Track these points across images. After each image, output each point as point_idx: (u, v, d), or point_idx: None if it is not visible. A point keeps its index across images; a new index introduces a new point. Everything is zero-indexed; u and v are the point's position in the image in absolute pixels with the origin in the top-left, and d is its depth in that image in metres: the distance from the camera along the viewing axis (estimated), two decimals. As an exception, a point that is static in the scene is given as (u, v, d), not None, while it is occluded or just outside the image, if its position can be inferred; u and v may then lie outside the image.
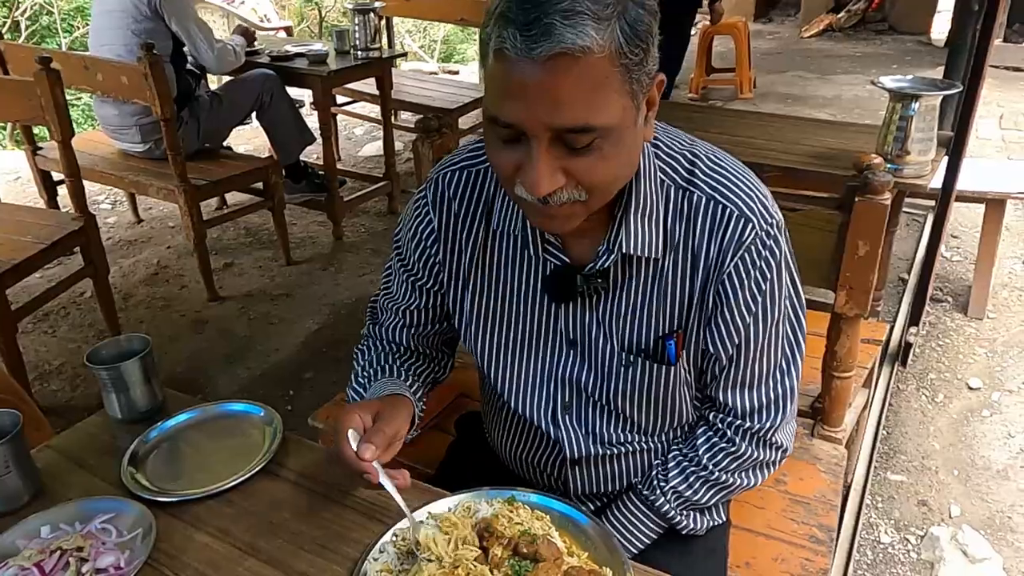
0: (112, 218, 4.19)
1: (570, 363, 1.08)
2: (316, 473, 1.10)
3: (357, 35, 3.69)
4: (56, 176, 3.49)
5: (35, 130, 3.52)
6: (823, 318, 1.66)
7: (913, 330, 2.78)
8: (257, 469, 1.09)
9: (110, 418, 1.23)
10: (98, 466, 1.13)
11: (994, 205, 2.86)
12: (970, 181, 2.76)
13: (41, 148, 3.49)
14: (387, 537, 0.95)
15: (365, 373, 1.19)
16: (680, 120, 2.70)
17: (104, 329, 3.00)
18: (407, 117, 4.97)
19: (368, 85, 4.20)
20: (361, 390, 1.18)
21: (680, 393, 1.08)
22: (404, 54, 6.55)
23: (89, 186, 3.24)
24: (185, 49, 3.27)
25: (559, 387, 1.11)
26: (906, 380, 2.71)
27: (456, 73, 7.09)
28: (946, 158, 2.46)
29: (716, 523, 1.20)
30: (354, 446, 0.95)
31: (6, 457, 1.02)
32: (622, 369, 1.05)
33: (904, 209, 3.30)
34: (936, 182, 2.45)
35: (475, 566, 0.88)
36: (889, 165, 2.16)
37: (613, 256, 0.98)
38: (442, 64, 8.00)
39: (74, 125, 2.69)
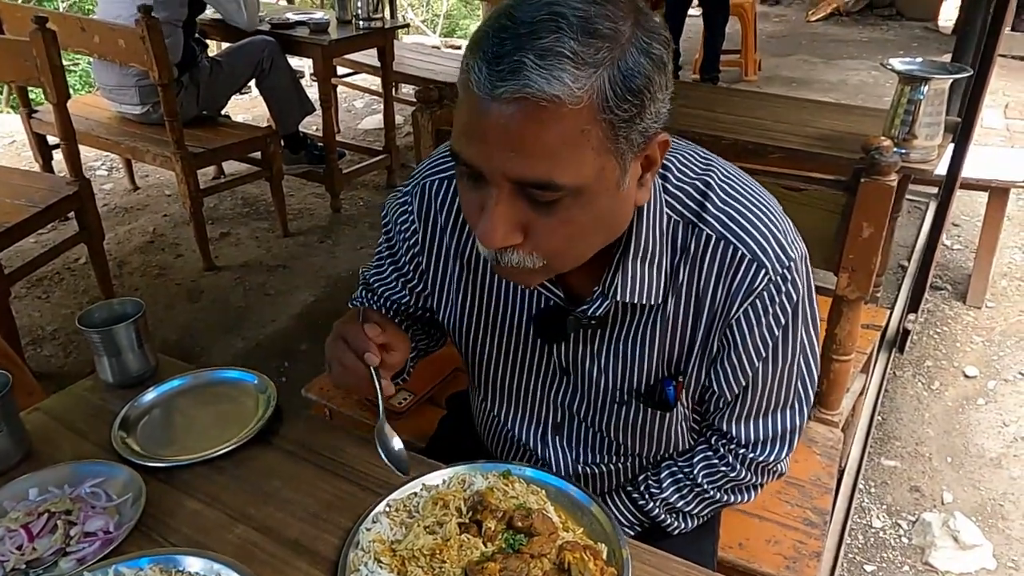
0: (108, 185, 4.15)
1: (563, 390, 1.03)
2: (309, 442, 1.09)
3: (359, 4, 3.63)
4: (52, 140, 3.44)
5: (31, 94, 3.47)
6: (824, 302, 1.64)
7: (911, 317, 2.77)
8: (250, 437, 1.08)
9: (102, 382, 1.21)
10: (89, 430, 1.12)
11: (998, 193, 2.84)
12: (974, 168, 2.74)
13: (36, 111, 3.43)
14: (380, 507, 0.94)
15: None
16: (684, 99, 2.67)
17: (98, 295, 2.97)
18: (408, 91, 4.91)
19: (369, 56, 4.14)
20: None
21: (678, 428, 1.03)
22: (406, 25, 6.46)
23: (85, 152, 3.21)
24: (202, 16, 3.22)
25: (550, 410, 1.06)
26: (903, 367, 2.71)
27: (458, 48, 7.01)
28: (952, 145, 2.44)
29: (705, 520, 1.16)
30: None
31: (-5, 418, 1.00)
32: (616, 406, 1.00)
33: (906, 196, 3.27)
34: (941, 168, 2.43)
35: (468, 539, 0.87)
36: (895, 149, 2.14)
37: (608, 303, 0.89)
38: (444, 38, 7.91)
39: (71, 90, 2.65)
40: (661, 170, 0.88)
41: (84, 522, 0.93)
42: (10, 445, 1.04)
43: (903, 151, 2.16)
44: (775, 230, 0.87)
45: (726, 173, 0.91)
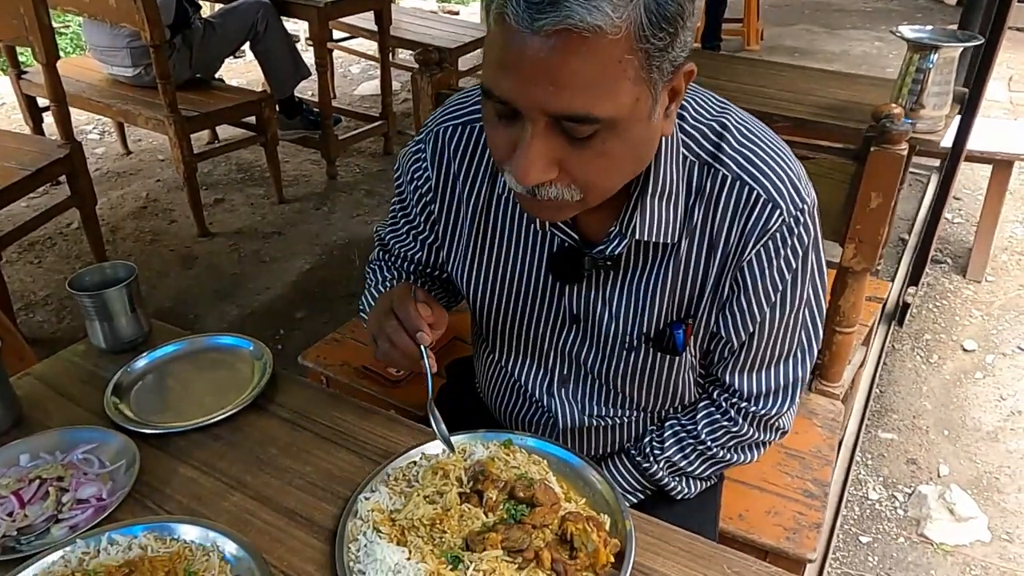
0: (100, 149, 4.09)
1: (571, 338, 1.02)
2: (307, 410, 1.07)
3: (356, -35, 3.55)
4: (42, 103, 3.38)
5: (20, 55, 3.39)
6: (828, 274, 1.62)
7: (912, 290, 2.76)
8: (246, 404, 1.06)
9: (94, 347, 1.19)
10: (81, 396, 1.10)
11: (1001, 167, 2.81)
12: (978, 141, 2.70)
13: (26, 72, 3.36)
14: (379, 476, 0.92)
15: (383, 287, 1.13)
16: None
17: (91, 261, 2.93)
18: (405, 56, 4.83)
19: (366, 20, 4.06)
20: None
21: (684, 378, 1.02)
22: (404, -10, 6.36)
23: (77, 116, 3.15)
24: None
25: (558, 360, 1.05)
26: (902, 340, 2.70)
27: (456, 13, 6.89)
28: (958, 116, 2.40)
29: (708, 485, 1.16)
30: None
31: (-17, 383, 0.98)
32: (625, 352, 0.99)
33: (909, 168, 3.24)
34: (946, 141, 2.39)
35: (469, 509, 0.86)
36: (908, 121, 2.11)
37: (626, 242, 0.89)
38: (441, 3, 7.77)
39: (62, 53, 2.58)
40: (679, 111, 0.87)
41: (76, 489, 0.91)
42: (0, 411, 1.01)
43: (911, 121, 2.12)
44: (790, 172, 0.88)
45: (741, 117, 0.91)
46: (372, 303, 1.14)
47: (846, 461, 2.13)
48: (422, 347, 0.90)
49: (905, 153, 1.37)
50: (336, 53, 4.82)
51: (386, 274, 1.17)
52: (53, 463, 0.95)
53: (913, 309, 2.80)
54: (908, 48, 2.11)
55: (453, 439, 0.96)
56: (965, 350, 2.67)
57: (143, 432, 1.01)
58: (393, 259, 1.18)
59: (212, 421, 1.03)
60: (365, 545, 0.83)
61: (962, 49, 2.09)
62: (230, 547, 0.83)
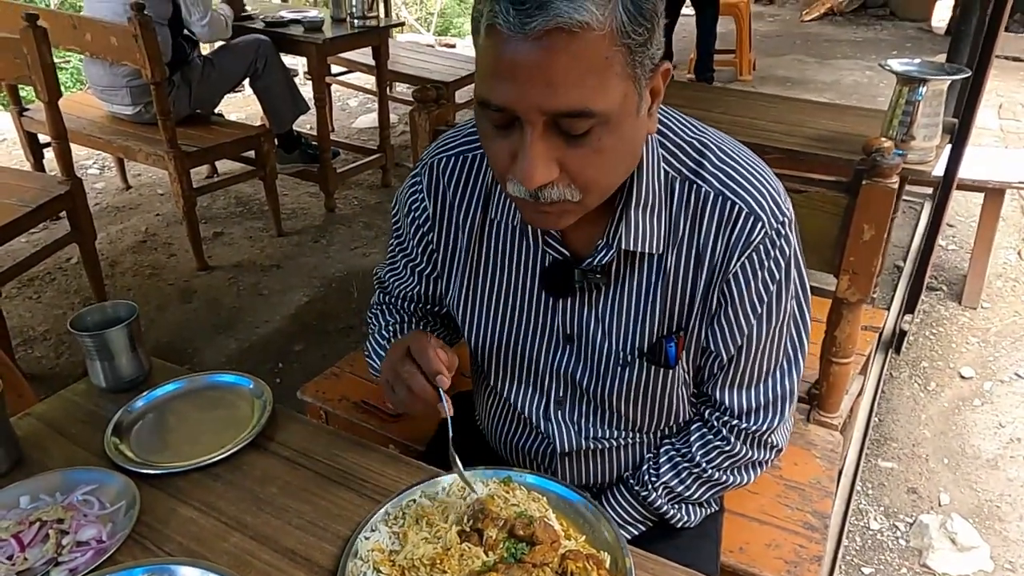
0: (100, 184, 4.12)
1: (566, 359, 1.04)
2: (307, 448, 1.07)
3: (354, 3, 3.61)
4: (43, 139, 3.40)
5: (22, 91, 3.43)
6: (823, 304, 1.63)
7: (908, 318, 2.77)
8: (245, 443, 1.06)
9: (94, 386, 1.19)
10: (81, 435, 1.10)
11: (993, 195, 2.84)
12: (970, 169, 2.74)
13: (28, 109, 3.40)
14: (379, 515, 0.92)
15: (388, 330, 1.15)
16: (680, 99, 2.66)
17: (90, 296, 2.94)
18: (402, 90, 4.89)
19: (364, 55, 4.12)
20: (385, 343, 1.13)
21: (678, 394, 1.04)
22: (401, 24, 6.44)
23: (77, 151, 3.17)
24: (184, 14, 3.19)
25: (553, 382, 1.07)
26: (899, 368, 2.71)
27: (452, 46, 6.99)
28: (949, 146, 2.44)
29: (709, 512, 1.17)
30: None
31: (-16, 425, 0.98)
32: (619, 369, 1.01)
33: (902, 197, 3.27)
34: (938, 170, 2.42)
35: (469, 548, 0.86)
36: (898, 152, 2.14)
37: (612, 252, 0.93)
38: (439, 37, 7.88)
39: (62, 87, 2.62)
40: (659, 127, 0.92)
41: (76, 531, 0.91)
42: (0, 452, 1.01)
43: (901, 152, 2.16)
44: (770, 188, 0.92)
45: (720, 136, 0.96)
46: (377, 348, 1.15)
47: (846, 491, 2.12)
48: (440, 390, 0.92)
49: (896, 186, 1.39)
50: (334, 87, 4.88)
51: (389, 318, 1.19)
52: (53, 505, 0.95)
53: (910, 337, 2.81)
54: (897, 81, 2.15)
55: (452, 477, 0.97)
56: (963, 377, 2.67)
57: (143, 472, 1.01)
58: (393, 300, 1.20)
59: (212, 461, 1.03)
60: (365, 585, 0.83)
61: (950, 82, 2.12)
62: (230, 589, 0.83)
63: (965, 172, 2.65)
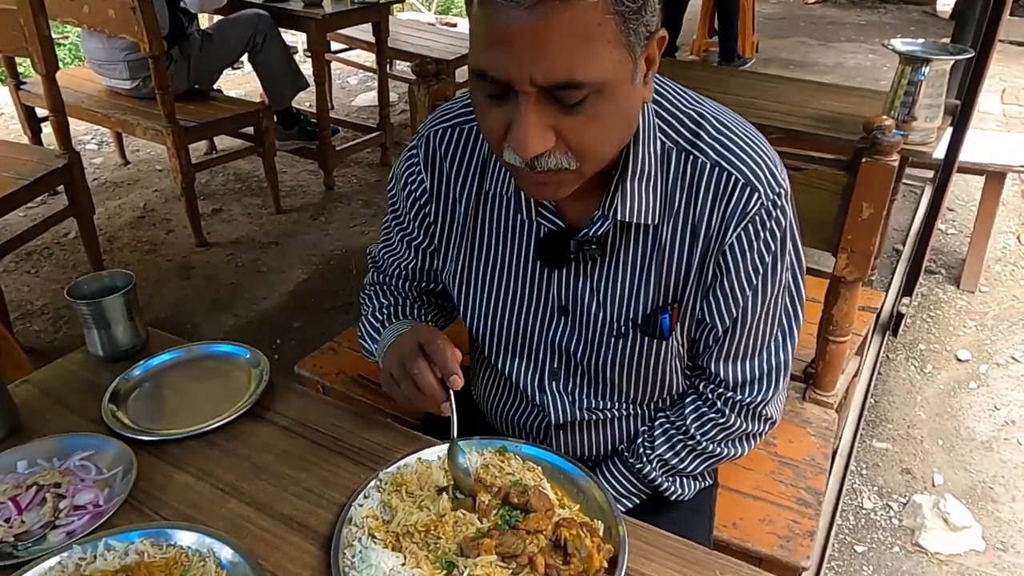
0: (98, 159, 4.10)
1: (560, 330, 1.04)
2: (303, 417, 1.08)
3: (354, -22, 3.58)
4: (40, 112, 3.39)
5: (19, 66, 3.41)
6: (821, 284, 1.63)
7: (906, 300, 2.77)
8: (243, 411, 1.06)
9: (91, 355, 1.19)
10: (78, 403, 1.10)
11: (994, 178, 2.84)
12: (971, 153, 2.73)
13: (25, 83, 3.38)
14: (372, 483, 0.93)
15: (381, 312, 1.15)
16: (682, 79, 2.64)
17: (88, 270, 2.93)
18: (402, 68, 4.86)
19: (364, 32, 4.09)
20: (379, 325, 1.13)
21: (671, 365, 1.05)
22: (401, 0, 6.39)
23: (75, 126, 3.16)
24: None
25: (548, 353, 1.07)
26: (896, 350, 2.72)
27: (454, 25, 6.93)
28: (950, 129, 2.43)
29: (703, 486, 1.18)
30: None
31: (-20, 389, 0.99)
32: (613, 340, 1.01)
33: (902, 180, 3.26)
34: (939, 152, 2.41)
35: (464, 515, 0.86)
36: (900, 133, 2.12)
37: (608, 223, 0.93)
38: (439, 15, 7.82)
39: (59, 64, 2.60)
40: (655, 97, 0.92)
41: (73, 495, 0.91)
42: (-3, 418, 1.02)
43: (903, 133, 2.15)
44: (767, 159, 0.92)
45: (718, 108, 0.96)
46: (370, 330, 1.15)
47: (841, 470, 2.13)
48: (451, 391, 0.92)
49: (896, 164, 1.39)
50: (334, 65, 4.85)
51: (383, 300, 1.18)
52: (50, 469, 0.96)
53: (907, 319, 2.82)
54: (900, 61, 2.14)
55: (447, 446, 0.97)
56: (959, 360, 2.68)
57: (140, 439, 1.01)
58: (388, 279, 1.20)
59: (209, 428, 1.03)
60: (360, 551, 0.83)
61: (953, 62, 2.11)
62: (226, 553, 0.84)
63: (966, 155, 2.65)
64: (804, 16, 7.91)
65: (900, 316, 2.74)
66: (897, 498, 2.12)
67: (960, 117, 2.38)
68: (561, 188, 0.85)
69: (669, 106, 0.93)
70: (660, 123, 0.92)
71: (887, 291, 2.94)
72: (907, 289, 2.80)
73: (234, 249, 3.30)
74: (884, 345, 2.69)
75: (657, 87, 0.93)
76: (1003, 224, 3.52)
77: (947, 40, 3.74)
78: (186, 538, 0.85)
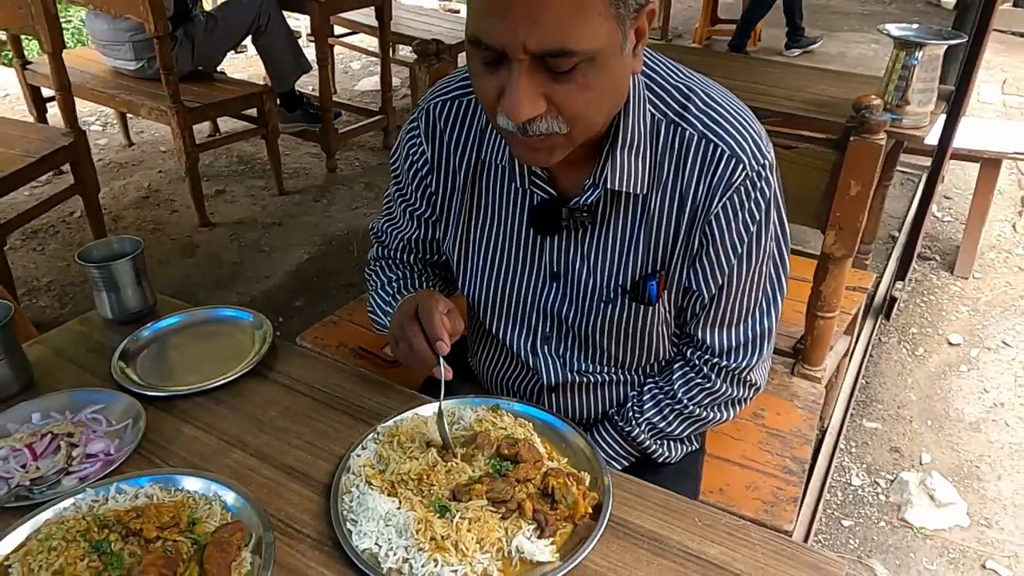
0: (103, 140, 4.14)
1: (552, 295, 1.08)
2: (305, 377, 1.12)
3: (357, -39, 3.60)
4: (46, 93, 3.43)
5: (25, 48, 3.44)
6: (810, 264, 1.67)
7: (899, 285, 2.81)
8: (247, 369, 1.11)
9: (101, 318, 1.24)
10: (88, 362, 1.15)
11: (989, 165, 2.87)
12: (967, 139, 2.76)
13: (31, 63, 3.42)
14: (371, 435, 0.97)
15: (392, 286, 1.19)
16: (686, 65, 2.68)
17: (94, 248, 2.98)
18: (405, 53, 4.88)
19: (367, 16, 4.11)
20: (390, 299, 1.17)
21: (658, 331, 1.09)
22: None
23: (80, 107, 3.20)
24: None
25: (540, 318, 1.11)
26: (888, 333, 2.75)
27: (456, 11, 6.94)
28: (944, 115, 2.46)
29: (690, 450, 1.22)
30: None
31: (-3, 345, 1.03)
32: (602, 305, 1.05)
33: (899, 168, 3.29)
34: (933, 138, 2.44)
35: (456, 463, 0.91)
36: (889, 115, 2.15)
37: (598, 191, 0.96)
38: (442, 2, 7.82)
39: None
40: (646, 74, 0.95)
41: (85, 444, 0.96)
42: (12, 373, 1.06)
43: (896, 117, 2.18)
44: (752, 132, 0.96)
45: (706, 82, 0.99)
46: (382, 304, 1.19)
47: (830, 448, 2.18)
48: (439, 356, 0.97)
49: (883, 143, 1.42)
50: (337, 49, 4.87)
51: (391, 274, 1.22)
52: (63, 421, 1.00)
53: (900, 304, 2.85)
54: (894, 46, 2.17)
55: (443, 403, 1.01)
56: (951, 344, 2.72)
57: (148, 395, 1.06)
58: (392, 252, 1.24)
59: (215, 385, 1.08)
60: (358, 496, 0.88)
61: (946, 47, 2.14)
62: (230, 497, 0.88)
63: (963, 142, 2.67)
64: (808, 5, 7.85)
65: (893, 300, 2.78)
66: (885, 475, 2.17)
67: (954, 102, 2.41)
68: (553, 153, 0.88)
69: (659, 79, 0.97)
70: (650, 95, 0.96)
71: (881, 275, 2.98)
72: (900, 273, 2.84)
73: (237, 229, 3.34)
74: (877, 328, 2.73)
75: (648, 61, 0.97)
76: (999, 212, 3.55)
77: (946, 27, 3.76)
78: (193, 484, 0.90)
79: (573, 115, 0.83)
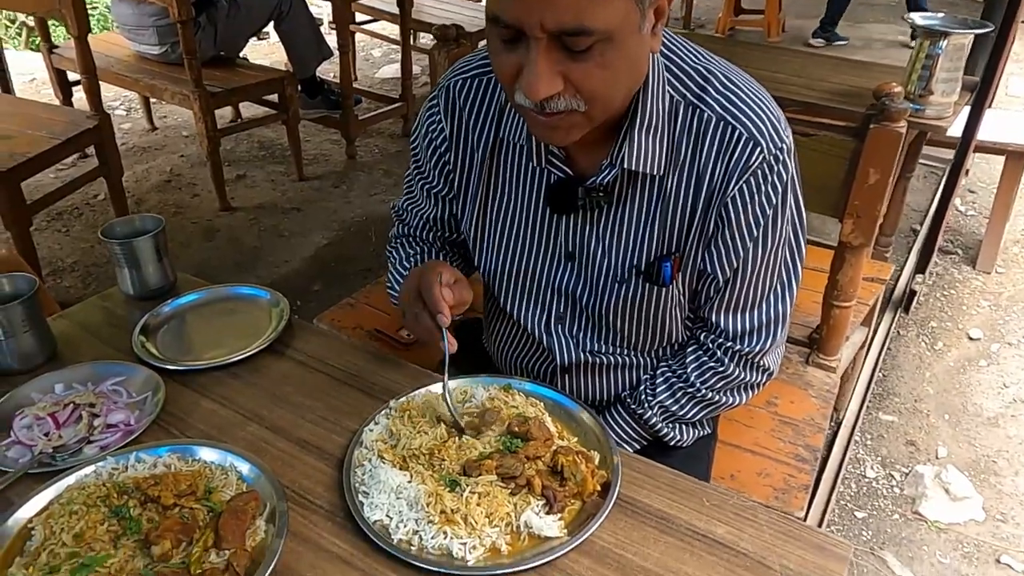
0: (126, 124, 4.19)
1: (567, 275, 1.09)
2: (321, 354, 1.14)
3: (379, -52, 3.61)
4: (72, 77, 3.48)
5: (52, 33, 3.49)
6: (827, 254, 1.67)
7: (919, 278, 2.78)
8: (264, 346, 1.13)
9: (122, 294, 1.26)
10: (110, 336, 1.17)
11: (1015, 158, 2.82)
12: (993, 132, 2.72)
13: (57, 47, 3.46)
14: (383, 411, 0.99)
15: (409, 262, 1.20)
16: (703, 51, 2.66)
17: (117, 231, 3.02)
18: (426, 41, 4.89)
19: (388, 3, 4.12)
20: (405, 274, 1.18)
21: (672, 314, 1.09)
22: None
23: (104, 92, 3.22)
24: None
25: (554, 297, 1.12)
26: (907, 326, 2.73)
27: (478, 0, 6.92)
28: (968, 107, 2.42)
29: (702, 434, 1.23)
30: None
31: (23, 316, 1.05)
32: (616, 285, 1.06)
33: (922, 161, 3.25)
34: (957, 130, 2.41)
35: (467, 439, 0.92)
36: (912, 105, 2.13)
37: (615, 171, 0.97)
38: (465, -10, 7.79)
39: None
40: (665, 55, 0.95)
41: (106, 414, 0.98)
42: (36, 345, 1.09)
43: (919, 107, 2.15)
44: (771, 115, 0.96)
45: (726, 65, 0.99)
46: (399, 278, 1.20)
47: (845, 440, 2.17)
48: (443, 329, 0.98)
49: (903, 131, 1.41)
50: (358, 36, 4.89)
51: (409, 250, 1.23)
52: (85, 392, 1.02)
53: (920, 297, 2.83)
54: (919, 34, 2.14)
55: (456, 382, 1.03)
56: (971, 338, 2.69)
57: (168, 368, 1.08)
58: (412, 230, 1.25)
59: (232, 360, 1.10)
60: (370, 470, 0.89)
61: (972, 37, 2.11)
62: (246, 468, 0.90)
63: (988, 135, 2.63)
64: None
65: (913, 293, 2.75)
66: (900, 468, 2.16)
67: (979, 93, 2.37)
68: (571, 132, 0.89)
69: (679, 60, 0.97)
70: (669, 77, 0.96)
71: (901, 269, 2.95)
72: (921, 267, 2.81)
73: (257, 214, 3.37)
74: (895, 321, 2.71)
75: (668, 43, 0.97)
76: (1023, 206, 3.50)
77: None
78: (210, 454, 0.92)
79: (590, 94, 0.84)
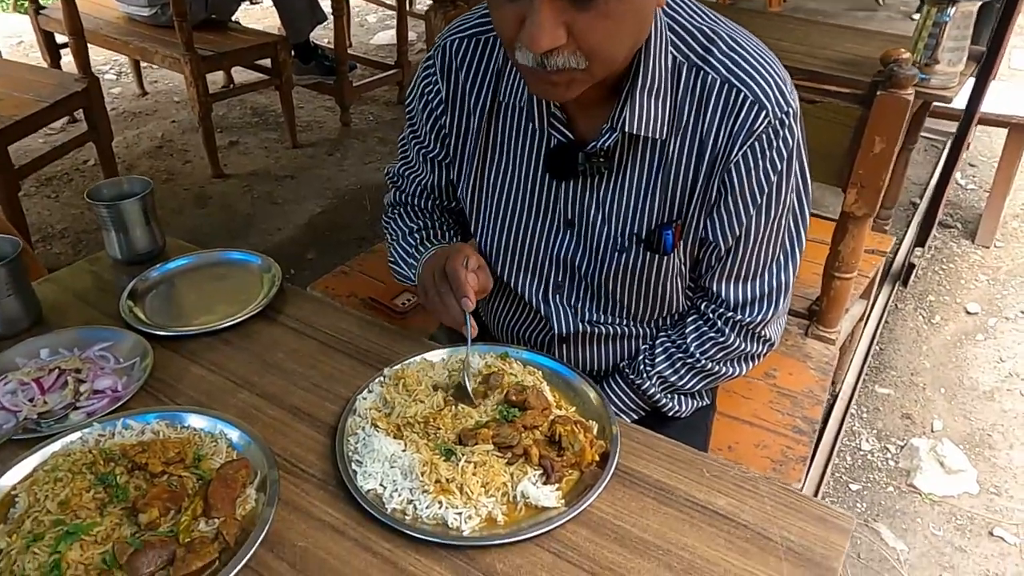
0: (116, 89, 4.11)
1: (566, 243, 1.06)
2: (313, 320, 1.11)
3: (375, -91, 3.51)
4: (60, 40, 3.40)
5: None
6: (828, 226, 1.64)
7: (918, 251, 2.77)
8: (255, 311, 1.10)
9: (110, 258, 1.23)
10: (97, 300, 1.15)
11: (1017, 130, 2.78)
12: (996, 104, 2.68)
13: (44, 8, 3.38)
14: (377, 379, 0.96)
15: (414, 236, 1.16)
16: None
17: (107, 197, 2.98)
18: (422, 6, 4.80)
19: (384, -34, 4.04)
20: (412, 250, 1.14)
21: (672, 283, 1.06)
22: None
23: (93, 56, 3.17)
24: None
25: (553, 266, 1.09)
26: (905, 300, 2.72)
27: (476, -34, 6.80)
28: (973, 78, 2.38)
29: (700, 405, 1.21)
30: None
31: (6, 279, 1.03)
32: (616, 254, 1.03)
33: (923, 134, 3.21)
34: (960, 103, 2.37)
35: (463, 408, 0.90)
36: (918, 74, 2.08)
37: (616, 135, 0.93)
38: (462, -44, 7.66)
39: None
40: (668, 14, 0.92)
41: (93, 380, 0.96)
42: (21, 309, 1.06)
43: (924, 76, 2.11)
44: (777, 78, 0.92)
45: (732, 26, 0.95)
46: (404, 255, 1.16)
47: (841, 412, 2.16)
48: (466, 313, 0.96)
49: (911, 98, 1.38)
50: (353, 2, 4.80)
51: (411, 224, 1.19)
52: (72, 357, 1.00)
53: (919, 271, 2.81)
54: (926, 2, 2.09)
55: (452, 350, 1.01)
56: (968, 312, 2.68)
57: (157, 334, 1.05)
58: (409, 198, 1.21)
59: (223, 326, 1.07)
60: (363, 439, 0.87)
61: (980, 4, 2.06)
62: (236, 436, 0.88)
63: (991, 107, 2.59)
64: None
65: (911, 267, 2.74)
66: (895, 441, 2.16)
67: (984, 64, 2.33)
68: (571, 87, 0.85)
69: (683, 20, 0.93)
70: (672, 36, 0.92)
71: (900, 241, 2.93)
72: (920, 240, 2.79)
73: (250, 181, 3.32)
74: (893, 294, 2.70)
75: (672, 2, 0.93)
76: (1024, 181, 3.47)
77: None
78: (199, 421, 0.90)
79: (593, 47, 0.80)
